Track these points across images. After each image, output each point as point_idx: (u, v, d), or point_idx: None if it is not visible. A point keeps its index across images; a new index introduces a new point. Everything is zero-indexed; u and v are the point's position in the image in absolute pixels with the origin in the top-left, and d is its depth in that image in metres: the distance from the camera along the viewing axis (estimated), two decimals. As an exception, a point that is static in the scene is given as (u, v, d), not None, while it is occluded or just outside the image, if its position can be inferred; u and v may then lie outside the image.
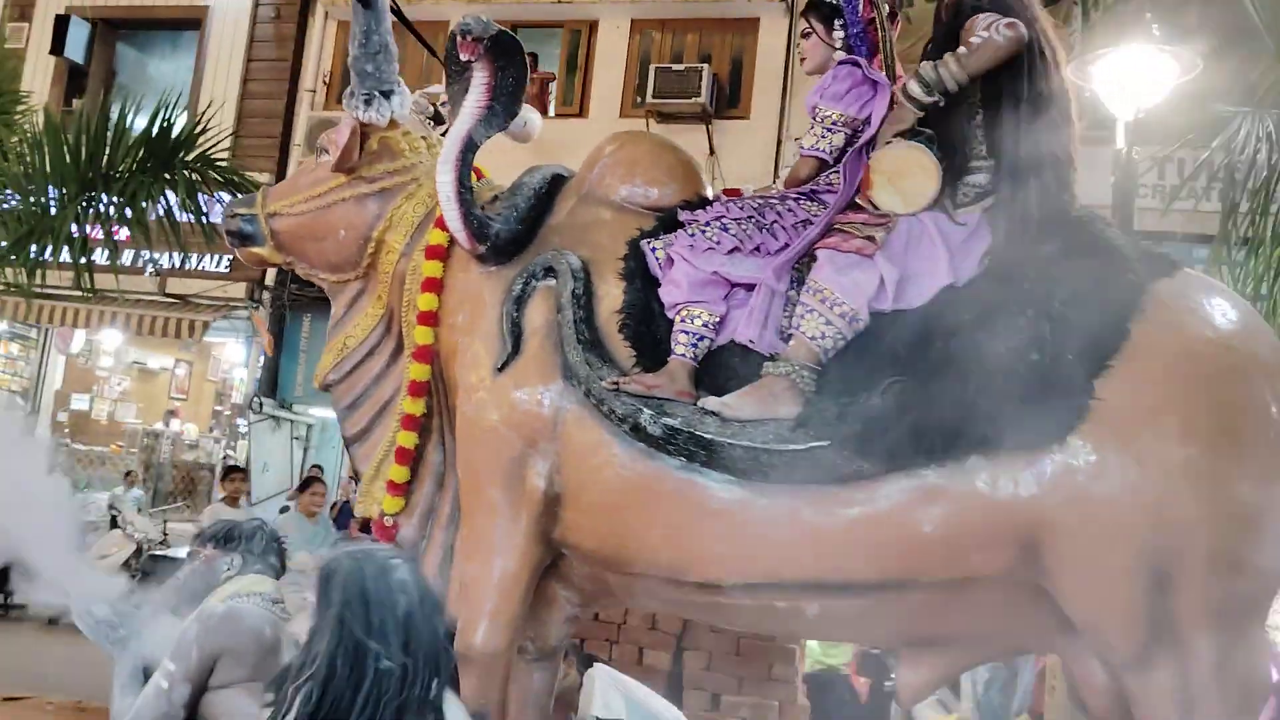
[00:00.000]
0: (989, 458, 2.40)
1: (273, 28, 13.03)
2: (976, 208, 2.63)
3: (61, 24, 12.83)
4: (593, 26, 12.01)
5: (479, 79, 2.74)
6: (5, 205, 6.05)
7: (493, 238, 2.79)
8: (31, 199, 5.90)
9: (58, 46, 12.86)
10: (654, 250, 2.72)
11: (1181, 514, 2.32)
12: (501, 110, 2.78)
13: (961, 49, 2.53)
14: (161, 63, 13.58)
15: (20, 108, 6.75)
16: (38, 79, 12.57)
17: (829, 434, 2.42)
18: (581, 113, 12.04)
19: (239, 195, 4.97)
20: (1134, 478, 2.34)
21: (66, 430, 14.21)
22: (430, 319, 2.87)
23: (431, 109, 3.18)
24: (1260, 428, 2.39)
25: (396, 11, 3.09)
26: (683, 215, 2.75)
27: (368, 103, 2.89)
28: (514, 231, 2.82)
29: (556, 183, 3.01)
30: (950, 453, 2.40)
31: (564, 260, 2.74)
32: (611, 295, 2.72)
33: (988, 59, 2.49)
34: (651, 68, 11.16)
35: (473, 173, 2.90)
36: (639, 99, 11.36)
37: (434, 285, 2.87)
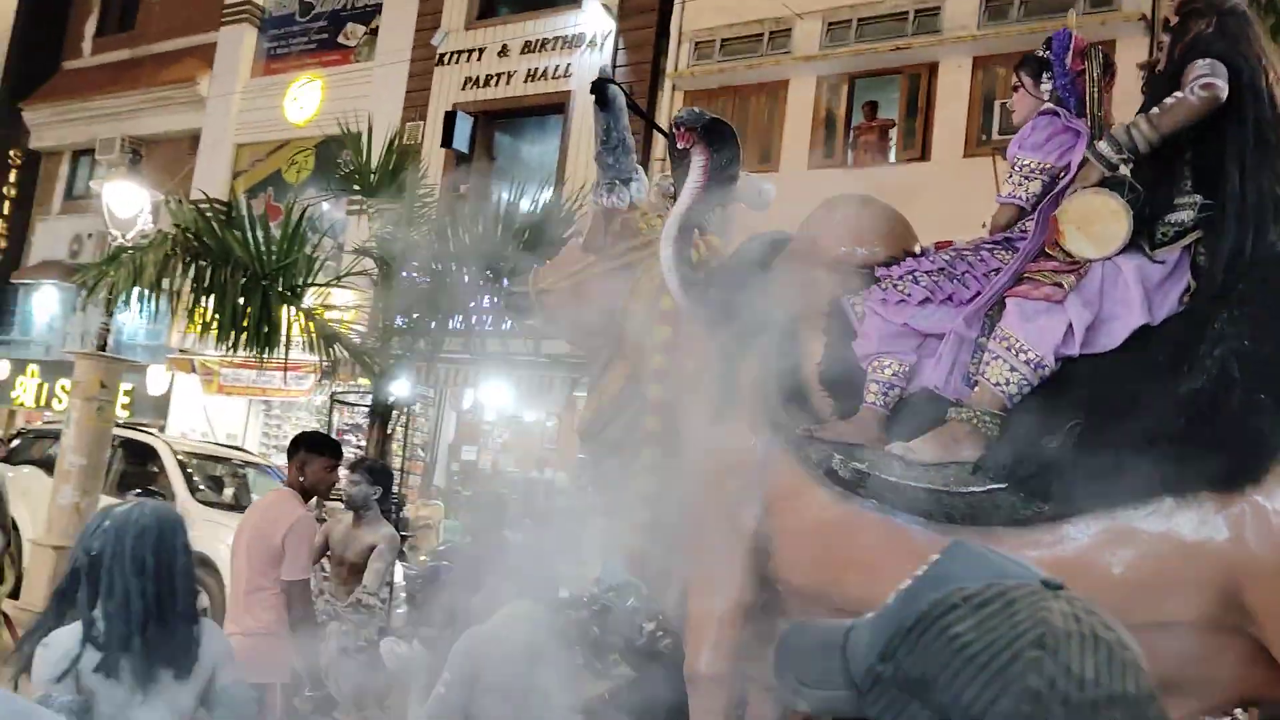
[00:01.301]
0: (1179, 500, 2.45)
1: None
2: (1177, 246, 2.68)
3: (449, 119, 15.00)
4: (933, 69, 12.09)
5: (696, 162, 3.22)
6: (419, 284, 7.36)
7: (710, 302, 3.24)
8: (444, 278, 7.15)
9: (447, 139, 15.05)
10: (853, 306, 3.03)
11: None
12: (718, 188, 3.24)
13: (1155, 109, 2.63)
14: (532, 147, 15.46)
15: (428, 199, 8.21)
16: (432, 169, 14.83)
17: (1006, 477, 2.59)
18: (924, 156, 12.13)
19: None
20: None
21: (458, 478, 16.32)
22: (661, 375, 3.37)
23: (672, 190, 3.70)
24: None
25: (634, 106, 3.64)
26: (879, 271, 3.03)
27: (609, 190, 3.48)
28: (730, 296, 3.24)
29: (778, 247, 3.40)
30: (1135, 496, 2.48)
31: (773, 319, 3.12)
32: (814, 350, 3.05)
33: (1180, 120, 2.59)
34: (996, 104, 11.05)
35: (700, 244, 3.38)
36: (983, 137, 11.28)
37: (665, 346, 3.36)
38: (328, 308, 8.09)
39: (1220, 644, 2.52)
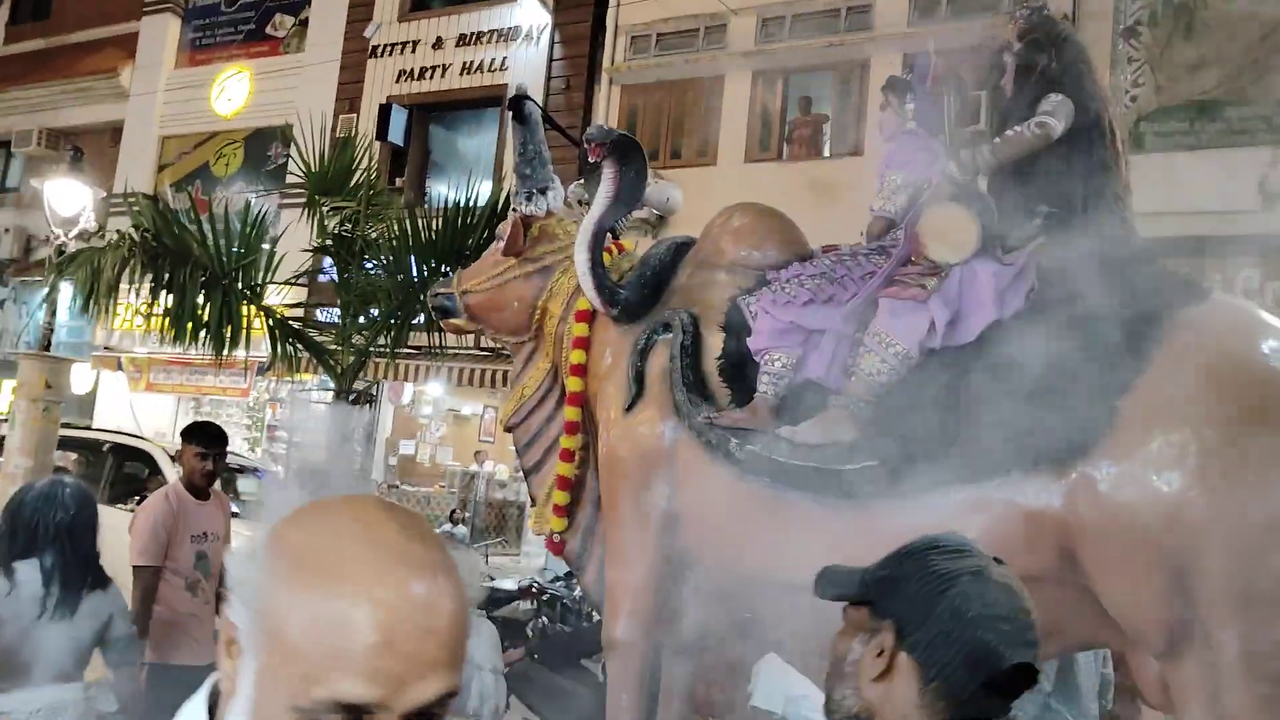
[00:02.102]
0: (1024, 473, 2.93)
1: (564, 98, 14.71)
2: (1024, 251, 3.16)
3: (384, 112, 15.25)
4: (865, 65, 12.63)
5: (607, 175, 3.64)
6: (378, 284, 7.60)
7: (621, 302, 3.67)
8: (400, 277, 7.40)
9: (382, 132, 15.30)
10: (748, 305, 3.48)
11: (1196, 516, 2.73)
12: (627, 198, 3.67)
13: (998, 139, 3.12)
14: (469, 139, 15.76)
15: (382, 199, 8.43)
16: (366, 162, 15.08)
17: (878, 455, 3.05)
18: (857, 151, 12.68)
19: None
20: (1151, 485, 2.79)
21: (396, 472, 16.62)
22: (579, 370, 3.80)
23: (586, 197, 4.12)
24: (1273, 438, 2.74)
25: (549, 120, 4.05)
26: (769, 274, 3.49)
27: (528, 199, 3.90)
28: (639, 296, 3.68)
29: (681, 250, 3.84)
30: (986, 469, 2.95)
31: (677, 317, 3.56)
32: (714, 345, 3.50)
33: (1017, 152, 3.08)
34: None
35: (612, 248, 3.81)
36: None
37: (582, 343, 3.80)
38: (289, 306, 8.36)
39: (1063, 595, 3.00)
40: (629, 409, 3.58)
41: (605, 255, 3.82)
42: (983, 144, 3.16)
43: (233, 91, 16.14)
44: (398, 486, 16.22)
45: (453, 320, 4.21)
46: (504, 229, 4.02)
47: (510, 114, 3.81)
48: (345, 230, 7.71)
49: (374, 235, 7.67)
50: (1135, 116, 11.12)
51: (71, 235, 12.06)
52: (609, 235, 3.95)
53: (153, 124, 16.56)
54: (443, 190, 15.90)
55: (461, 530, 14.12)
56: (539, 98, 14.79)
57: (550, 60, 14.58)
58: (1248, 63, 10.60)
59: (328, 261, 8.55)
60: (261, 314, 7.43)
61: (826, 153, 12.87)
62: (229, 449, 4.94)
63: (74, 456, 10.50)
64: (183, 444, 4.65)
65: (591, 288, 3.66)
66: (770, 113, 13.37)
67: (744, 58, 13.18)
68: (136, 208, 7.92)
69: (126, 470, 9.78)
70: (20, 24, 18.78)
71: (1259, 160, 10.23)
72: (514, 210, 3.94)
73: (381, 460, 16.45)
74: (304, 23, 15.94)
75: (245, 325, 7.26)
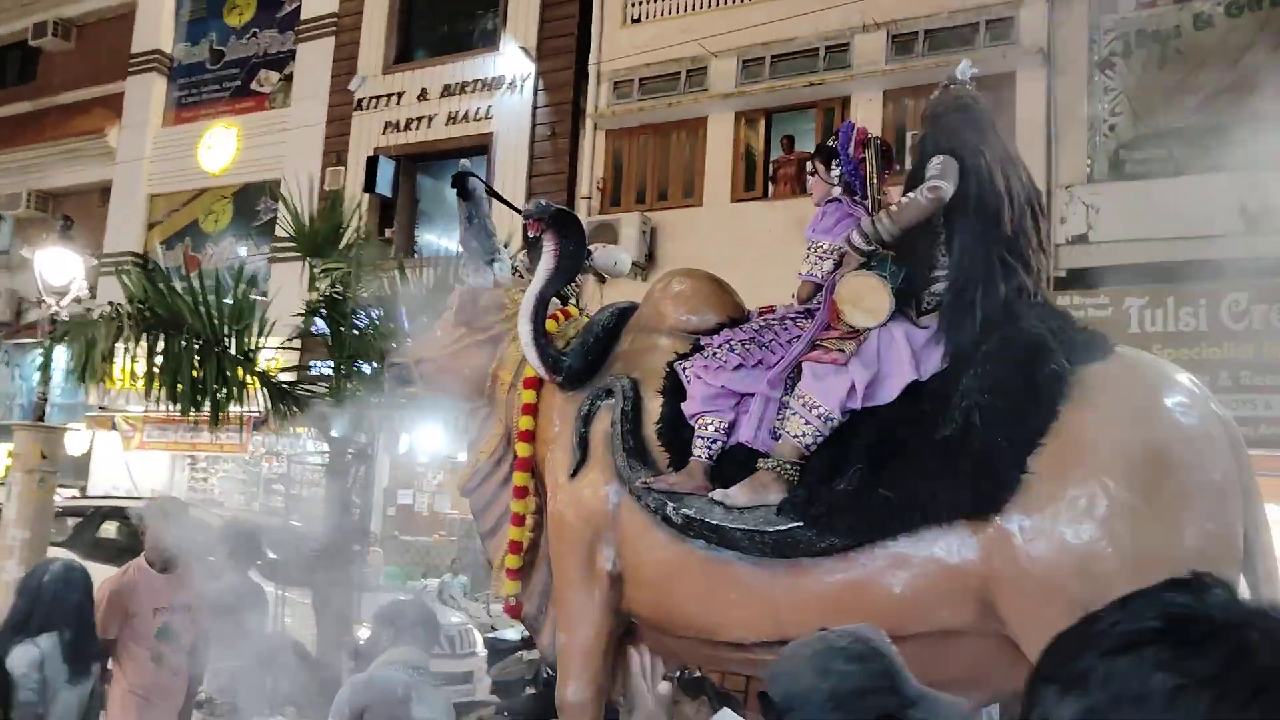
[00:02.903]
0: (941, 528, 3.10)
1: (550, 145, 15.02)
2: (937, 313, 3.35)
3: (371, 164, 15.56)
4: (845, 102, 12.90)
5: (547, 247, 3.84)
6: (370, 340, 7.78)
7: (565, 370, 3.86)
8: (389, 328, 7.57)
9: (370, 184, 15.60)
10: (684, 370, 3.66)
11: (1105, 567, 2.90)
12: (567, 269, 3.87)
13: (894, 205, 3.32)
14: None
15: (372, 257, 8.60)
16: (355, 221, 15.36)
17: (803, 516, 3.23)
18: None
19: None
20: (1061, 537, 2.95)
21: (395, 522, 16.76)
22: (528, 436, 3.98)
23: (531, 266, 4.32)
24: (1176, 489, 2.92)
25: (491, 191, 4.25)
26: (703, 340, 3.68)
27: (475, 270, 4.10)
28: (582, 363, 3.87)
29: (625, 315, 4.03)
30: (906, 526, 3.13)
31: (619, 383, 3.75)
32: (654, 409, 3.69)
33: (914, 217, 3.28)
34: (908, 135, 11.85)
35: (559, 315, 4.01)
36: (898, 167, 12.09)
37: (530, 409, 3.98)
38: (284, 369, 8.58)
39: (986, 646, 3.16)
40: (574, 474, 3.76)
41: (552, 322, 4.01)
42: (882, 213, 3.35)
43: (220, 148, 16.50)
44: (396, 537, 16.37)
45: (409, 389, 4.41)
46: (453, 299, 4.22)
47: (454, 190, 4.01)
48: (336, 292, 7.91)
49: (364, 294, 7.89)
50: (1115, 145, 11.37)
51: (64, 304, 12.35)
52: (557, 302, 4.15)
53: (141, 183, 16.92)
54: (432, 239, 16.24)
55: (462, 580, 14.24)
56: (524, 146, 15.13)
57: (535, 108, 14.88)
58: (1223, 88, 10.83)
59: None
60: (255, 380, 7.63)
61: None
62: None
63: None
64: (144, 518, 4.86)
65: (535, 357, 3.85)
66: (754, 152, 13.64)
67: (725, 99, 13.47)
68: (126, 273, 8.15)
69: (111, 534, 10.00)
70: (6, 87, 19.23)
71: (1239, 184, 10.42)
72: (461, 281, 4.14)
73: (379, 511, 16.60)
74: (289, 78, 16.32)
75: (240, 388, 7.48)
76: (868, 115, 12.64)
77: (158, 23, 17.29)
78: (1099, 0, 11.59)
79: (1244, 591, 3.10)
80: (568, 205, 15.00)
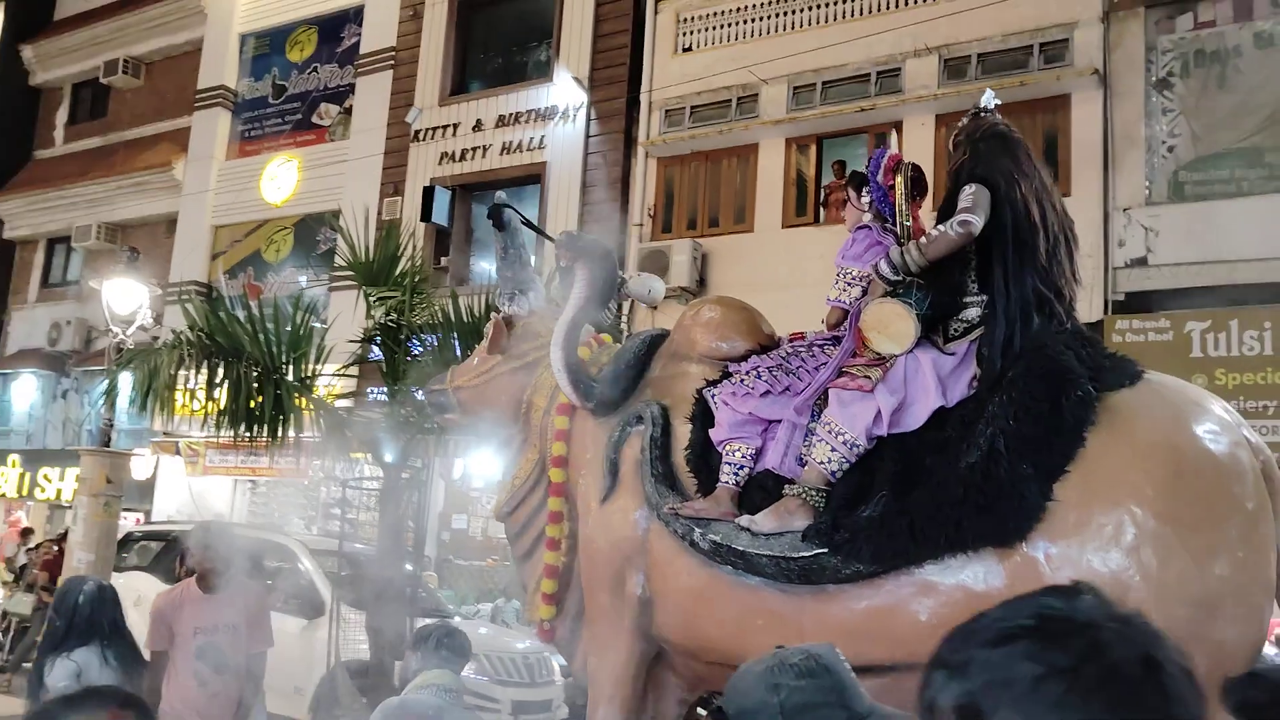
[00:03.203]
0: (967, 556, 3.10)
1: (602, 173, 15.15)
2: (965, 340, 3.36)
3: (428, 194, 15.80)
4: (898, 127, 12.85)
5: (579, 277, 3.91)
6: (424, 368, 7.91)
7: (596, 396, 3.92)
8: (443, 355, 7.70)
9: (426, 214, 15.84)
10: (712, 397, 3.70)
11: (1133, 597, 2.87)
12: (598, 298, 3.94)
13: (924, 238, 3.34)
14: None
15: (426, 286, 8.77)
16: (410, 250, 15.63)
17: (828, 542, 3.24)
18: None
19: None
20: (1087, 565, 2.94)
21: (449, 547, 16.88)
22: (560, 461, 4.04)
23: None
24: (1204, 517, 2.90)
25: (526, 222, 4.35)
26: (730, 367, 3.72)
27: (510, 299, 4.19)
28: (613, 390, 3.92)
29: (656, 343, 4.08)
30: (931, 553, 3.13)
31: (649, 410, 3.80)
32: (683, 435, 3.73)
33: (943, 250, 3.29)
34: (958, 158, 11.80)
35: (592, 342, 4.07)
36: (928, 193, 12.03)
37: (563, 435, 4.05)
38: (339, 396, 8.75)
39: None
40: (605, 500, 3.81)
41: (584, 349, 4.08)
42: (911, 243, 3.37)
43: (282, 180, 16.88)
44: (450, 561, 16.50)
45: (447, 415, 4.49)
46: (489, 328, 4.30)
47: (490, 221, 4.11)
48: (391, 320, 8.07)
49: (419, 322, 8.05)
50: (1174, 167, 11.20)
51: (129, 333, 12.73)
52: (590, 329, 4.22)
53: (206, 214, 17.36)
54: (486, 267, 16.45)
55: (515, 604, 14.29)
56: (576, 174, 15.30)
57: (587, 137, 15.04)
58: (1285, 107, 10.66)
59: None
60: (312, 406, 7.80)
61: (864, 216, 13.04)
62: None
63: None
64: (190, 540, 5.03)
65: (567, 384, 3.92)
66: (805, 178, 13.65)
67: (776, 125, 13.51)
68: (189, 302, 8.41)
69: (265, 566, 9.82)
70: (79, 123, 19.89)
71: (1302, 205, 10.25)
72: (497, 311, 4.23)
73: (434, 536, 16.76)
74: (348, 111, 16.67)
75: (298, 414, 7.66)
76: (920, 140, 12.60)
77: (222, 59, 17.79)
78: (1156, 21, 11.47)
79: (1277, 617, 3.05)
80: (620, 232, 15.24)
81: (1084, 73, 11.49)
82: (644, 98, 14.45)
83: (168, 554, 11.01)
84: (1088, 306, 10.95)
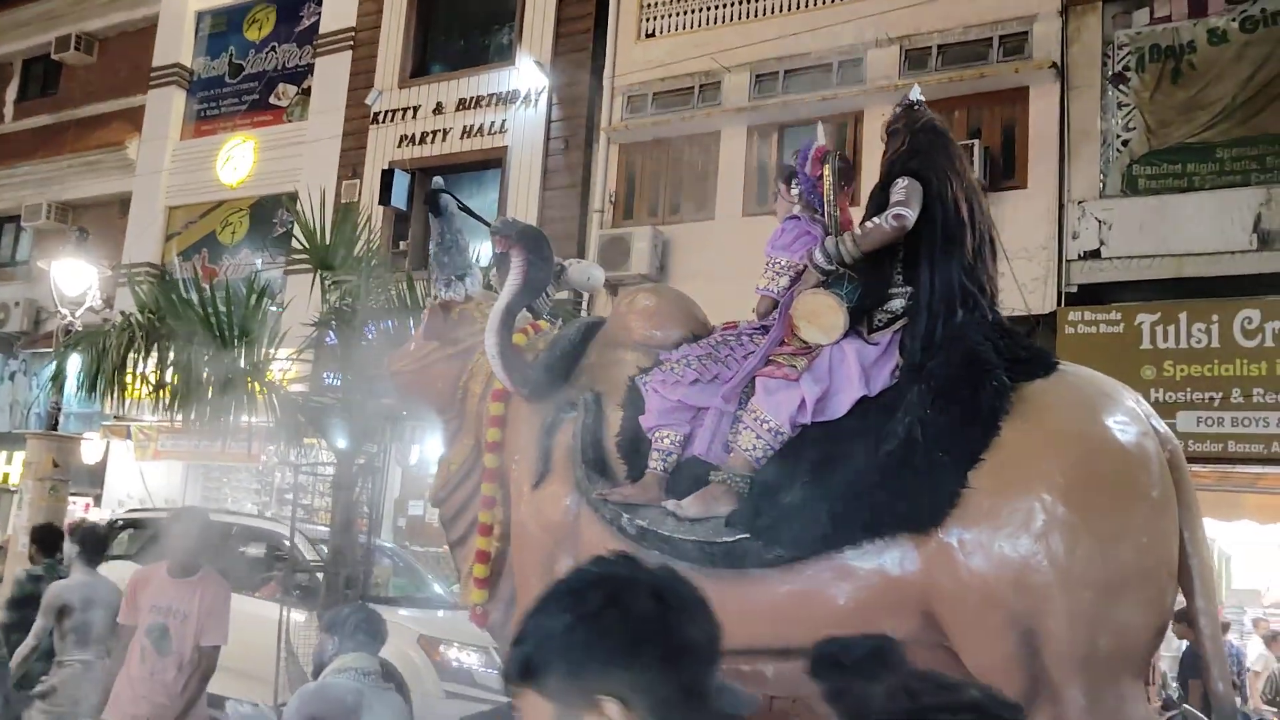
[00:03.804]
0: (884, 541, 3.19)
1: (563, 158, 15.15)
2: (889, 330, 3.45)
3: (387, 177, 15.72)
4: (858, 117, 12.96)
5: (515, 263, 3.97)
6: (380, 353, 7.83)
7: (531, 383, 3.98)
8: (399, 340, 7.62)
9: (385, 197, 15.77)
10: (645, 384, 3.78)
11: (1040, 580, 2.99)
12: (534, 285, 4.00)
13: (858, 229, 3.43)
14: (470, 200, 16.01)
15: (383, 270, 8.71)
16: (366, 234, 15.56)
17: (750, 527, 3.33)
18: (853, 201, 12.94)
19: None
20: (999, 550, 3.05)
21: (405, 534, 16.87)
22: (495, 447, 4.10)
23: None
24: (1110, 504, 3.01)
25: (463, 206, 4.39)
26: (661, 354, 3.79)
27: (447, 285, 4.24)
28: (547, 376, 3.99)
29: (592, 330, 4.15)
30: (850, 539, 3.22)
31: (582, 397, 3.87)
32: (615, 422, 3.80)
33: (877, 241, 3.39)
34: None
35: (528, 329, 4.13)
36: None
37: (497, 421, 4.11)
38: (294, 381, 8.71)
39: (933, 659, 3.25)
40: (537, 485, 3.88)
41: (521, 336, 4.14)
42: (846, 234, 3.46)
43: (238, 160, 16.77)
44: (407, 548, 16.50)
45: (384, 400, 4.54)
46: (425, 314, 4.35)
47: (427, 206, 4.15)
48: (346, 304, 8.03)
49: (375, 306, 8.02)
50: (1128, 160, 11.38)
51: (79, 314, 12.64)
52: (529, 316, 4.28)
53: (160, 195, 17.22)
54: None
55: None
56: (538, 159, 15.30)
57: (549, 121, 15.03)
58: (1237, 104, 10.85)
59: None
60: (265, 391, 7.76)
61: (822, 205, 13.15)
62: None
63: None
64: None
65: (501, 369, 3.98)
66: (766, 167, 13.73)
67: (739, 113, 13.57)
68: (139, 284, 8.35)
69: (249, 554, 9.79)
70: (29, 99, 19.62)
71: (1253, 200, 10.45)
72: (433, 297, 4.28)
73: (389, 523, 16.75)
74: (306, 91, 16.57)
75: (250, 398, 7.62)
76: (880, 130, 12.68)
77: (178, 37, 17.61)
78: (1113, 15, 11.63)
79: (1180, 603, 3.18)
80: (581, 218, 15.25)
81: (1042, 65, 11.64)
82: (606, 83, 14.46)
83: (155, 542, 10.75)
84: (1041, 298, 11.14)
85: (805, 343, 3.49)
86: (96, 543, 6.37)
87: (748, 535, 3.32)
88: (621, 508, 3.57)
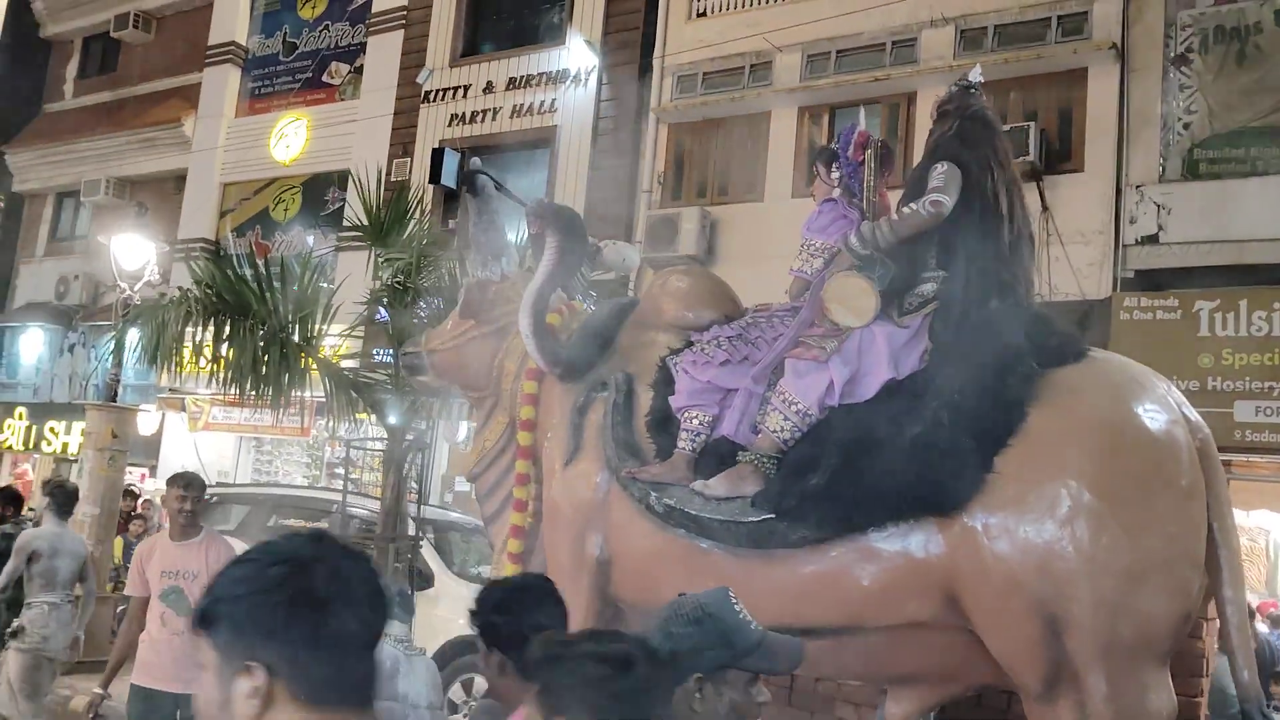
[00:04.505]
0: (909, 524, 3.23)
1: (611, 139, 15.16)
2: (919, 314, 3.47)
3: (437, 156, 15.79)
4: (911, 98, 12.84)
5: (549, 244, 4.03)
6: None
7: (564, 362, 4.05)
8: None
9: (435, 176, 15.85)
10: (674, 365, 3.83)
11: (1065, 566, 3.00)
12: (568, 266, 4.06)
13: (895, 214, 3.45)
14: (519, 179, 16.29)
15: (434, 249, 8.84)
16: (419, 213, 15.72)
17: (775, 508, 3.37)
18: (892, 185, 12.88)
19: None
20: (1024, 536, 3.07)
21: (453, 509, 17.06)
22: (528, 425, 4.18)
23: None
24: (1137, 492, 3.02)
25: (500, 186, 4.46)
26: (692, 336, 3.84)
27: (483, 264, 4.31)
28: (580, 356, 4.06)
29: (626, 311, 4.21)
30: (875, 521, 3.26)
31: (613, 377, 3.93)
32: (646, 402, 3.86)
33: (913, 229, 3.41)
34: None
35: (563, 309, 4.20)
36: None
37: (531, 399, 4.18)
38: (345, 357, 8.88)
39: (954, 641, 3.29)
40: (568, 463, 3.95)
41: (555, 316, 4.21)
42: (883, 220, 3.48)
43: (291, 138, 17.00)
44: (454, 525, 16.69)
45: (421, 377, 4.64)
46: (462, 293, 4.43)
47: (464, 187, 4.22)
48: (398, 281, 8.18)
49: (426, 284, 8.15)
50: (1188, 144, 11.18)
51: (137, 288, 12.94)
52: (562, 296, 4.35)
53: (214, 171, 17.52)
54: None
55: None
56: (586, 139, 15.35)
57: (598, 101, 15.05)
58: (1303, 87, 10.62)
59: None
60: (317, 366, 7.94)
61: (874, 186, 13.08)
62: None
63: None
64: (166, 489, 5.23)
65: (535, 349, 4.05)
66: (816, 148, 13.66)
67: (789, 94, 13.50)
68: (196, 259, 8.54)
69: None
70: (88, 77, 20.04)
71: (1317, 186, 10.24)
72: (470, 276, 4.36)
73: (438, 497, 16.98)
74: (359, 70, 16.75)
75: (303, 373, 7.80)
76: (932, 107, 12.55)
77: (234, 15, 17.88)
78: (1175, -5, 11.41)
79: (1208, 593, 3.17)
80: (629, 198, 15.28)
81: (1102, 46, 11.45)
82: (656, 63, 14.45)
83: (256, 517, 10.47)
84: (1096, 283, 11.01)
85: (836, 325, 3.52)
86: (66, 498, 7.09)
87: (773, 515, 3.37)
88: (650, 486, 3.63)
